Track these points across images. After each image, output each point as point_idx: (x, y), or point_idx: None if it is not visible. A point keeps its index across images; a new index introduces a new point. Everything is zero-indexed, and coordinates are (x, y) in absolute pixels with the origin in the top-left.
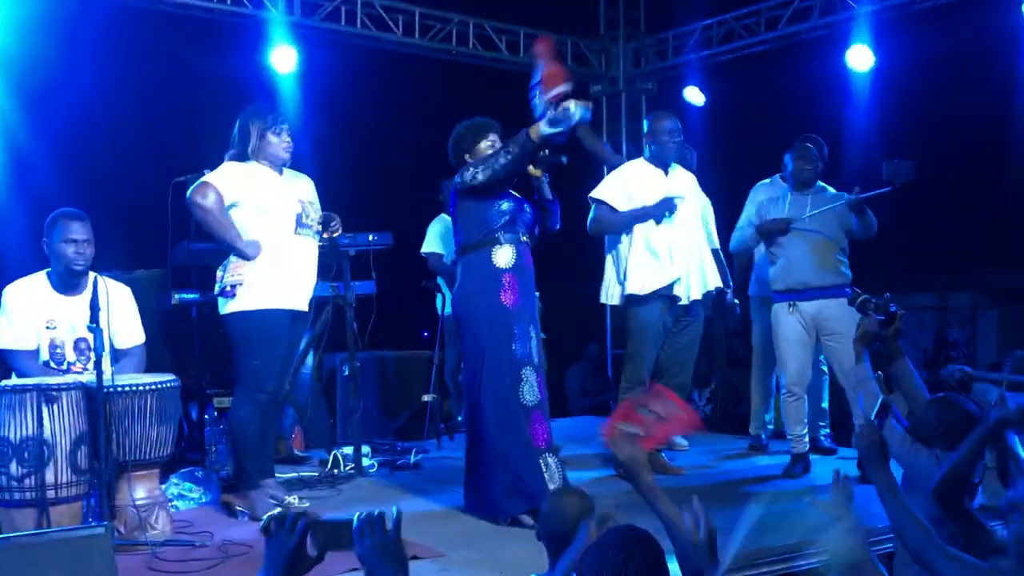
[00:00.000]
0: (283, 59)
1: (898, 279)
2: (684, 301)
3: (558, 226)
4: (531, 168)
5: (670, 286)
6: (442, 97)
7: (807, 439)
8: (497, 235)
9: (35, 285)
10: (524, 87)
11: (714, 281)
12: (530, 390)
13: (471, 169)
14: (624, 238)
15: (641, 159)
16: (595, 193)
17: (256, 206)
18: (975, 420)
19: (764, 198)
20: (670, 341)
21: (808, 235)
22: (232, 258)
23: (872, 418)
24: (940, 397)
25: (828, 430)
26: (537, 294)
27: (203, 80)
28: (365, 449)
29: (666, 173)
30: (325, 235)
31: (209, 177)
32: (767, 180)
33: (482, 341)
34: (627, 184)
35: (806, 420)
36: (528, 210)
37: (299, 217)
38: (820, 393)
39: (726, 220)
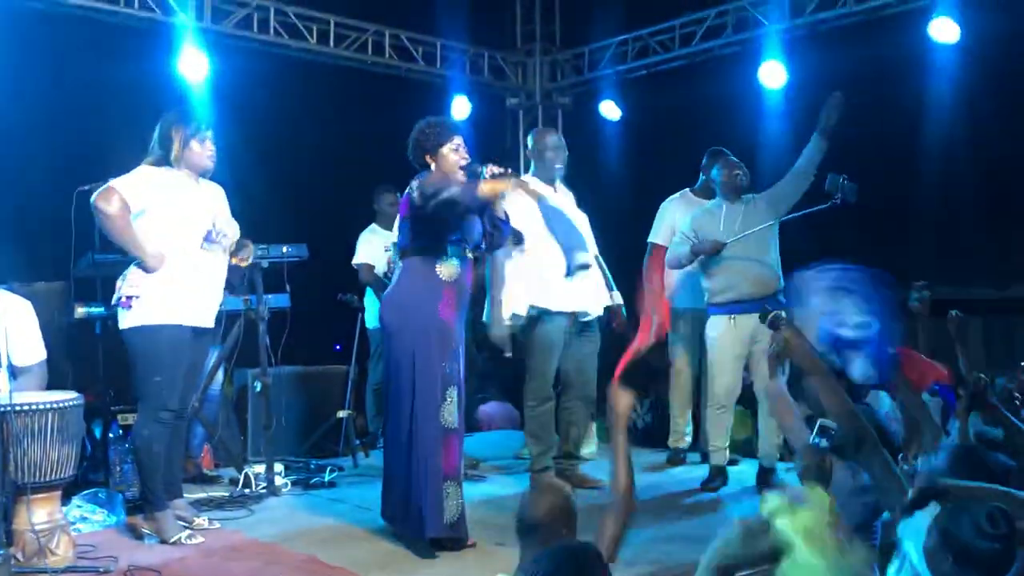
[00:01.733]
0: (193, 66)
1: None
2: (589, 317)
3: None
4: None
5: (559, 307)
6: (359, 107)
7: (727, 452)
8: (445, 246)
9: None
10: (441, 98)
11: (608, 297)
12: (451, 412)
13: (427, 195)
14: (515, 259)
15: (529, 175)
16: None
17: (164, 216)
18: (885, 430)
19: (696, 212)
20: (571, 354)
21: (744, 247)
22: (132, 268)
23: (810, 440)
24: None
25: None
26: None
27: (110, 86)
28: (278, 467)
29: (554, 189)
30: (234, 260)
31: (116, 182)
32: (676, 195)
33: (413, 351)
34: (518, 204)
35: (728, 433)
36: (478, 225)
37: (209, 233)
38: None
39: (639, 232)
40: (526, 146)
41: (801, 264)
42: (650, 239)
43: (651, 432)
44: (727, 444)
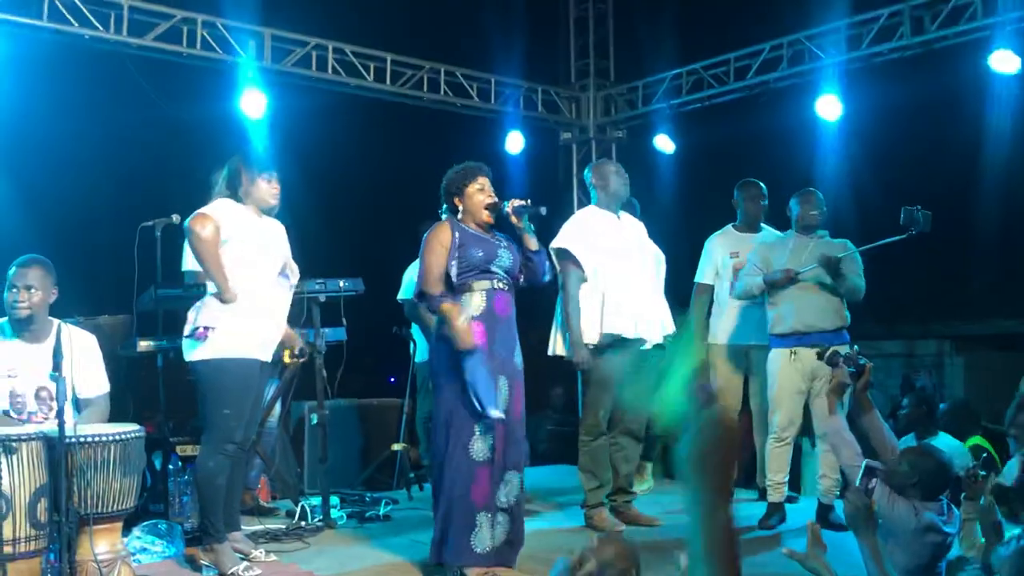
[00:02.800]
0: (253, 104)
1: (867, 327)
2: (646, 347)
3: (546, 278)
4: (511, 217)
5: (632, 333)
6: (414, 143)
7: (786, 488)
8: (469, 282)
9: None
10: (495, 133)
11: (671, 326)
12: (482, 446)
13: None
14: (584, 287)
15: (591, 206)
16: (556, 243)
17: (244, 248)
18: (949, 469)
19: (763, 243)
20: (628, 388)
21: (809, 282)
22: (208, 299)
23: (857, 483)
24: (914, 447)
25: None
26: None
27: (172, 125)
28: (333, 500)
29: (618, 217)
30: (290, 362)
31: (208, 209)
32: (719, 232)
33: (445, 389)
34: (584, 231)
35: (788, 469)
36: (509, 255)
37: (283, 266)
38: None
39: (690, 265)
40: (580, 181)
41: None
42: (696, 278)
43: None
44: (786, 480)
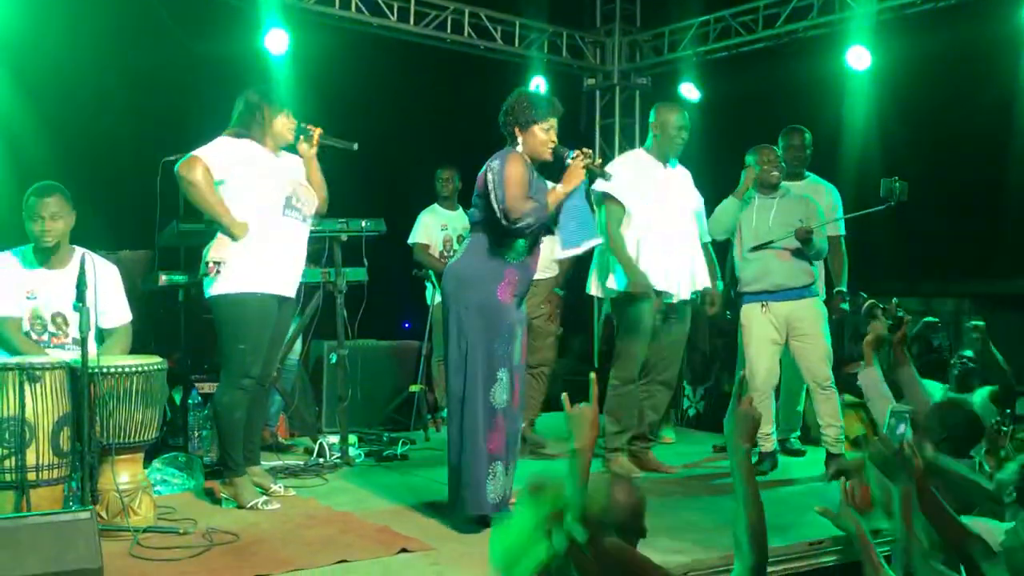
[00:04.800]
0: (276, 41)
1: (884, 284)
2: (673, 300)
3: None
4: (573, 167)
5: (662, 285)
6: (436, 84)
7: (775, 438)
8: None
9: (18, 257)
10: (518, 77)
11: (703, 281)
12: (502, 392)
13: (507, 218)
14: (626, 232)
15: (640, 149)
16: (597, 185)
17: (244, 185)
18: (979, 424)
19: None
20: (657, 339)
21: (774, 247)
22: (218, 236)
23: (885, 430)
24: (944, 402)
25: (798, 432)
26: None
27: (195, 61)
28: (352, 438)
29: (665, 166)
30: (311, 146)
31: (198, 151)
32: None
33: (467, 329)
34: (628, 176)
35: (773, 419)
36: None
37: (288, 199)
38: (797, 397)
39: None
40: (604, 129)
41: (887, 251)
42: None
43: (702, 418)
44: (773, 431)
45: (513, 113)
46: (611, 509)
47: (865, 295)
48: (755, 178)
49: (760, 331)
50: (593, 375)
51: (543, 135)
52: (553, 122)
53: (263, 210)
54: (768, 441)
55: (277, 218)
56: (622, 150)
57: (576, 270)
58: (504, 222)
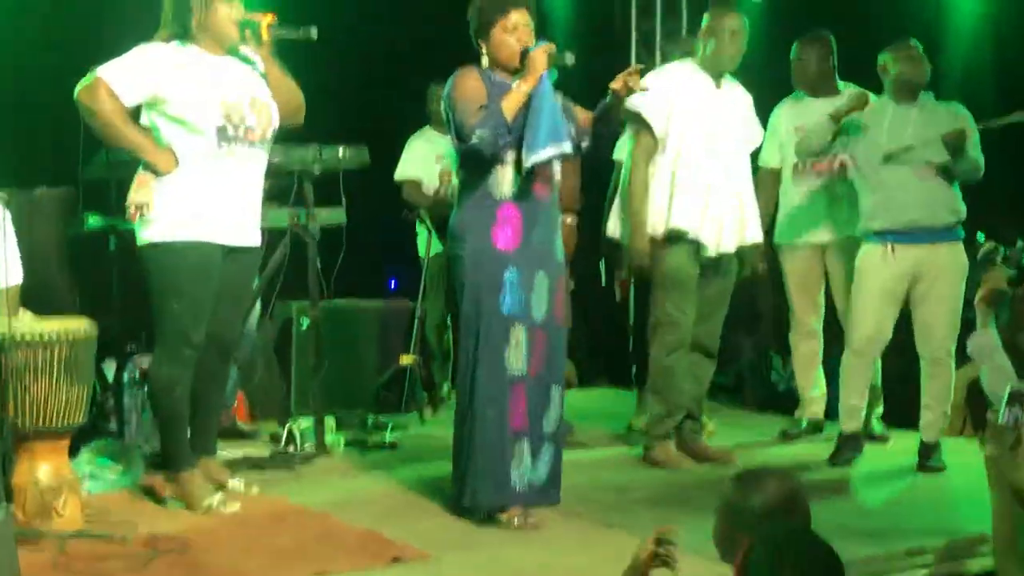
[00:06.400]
0: None
1: (1007, 227)
2: (711, 253)
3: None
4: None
5: (697, 232)
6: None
7: (863, 415)
8: (503, 152)
9: None
10: None
11: (753, 234)
12: (517, 356)
13: (458, 134)
14: (651, 168)
15: (690, 61)
16: (628, 103)
17: (173, 104)
18: None
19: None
20: (699, 292)
21: (914, 155)
22: (139, 172)
23: (1001, 416)
24: None
25: (882, 409)
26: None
27: None
28: (329, 422)
29: (718, 85)
30: (261, 43)
31: (104, 69)
32: (791, 97)
33: (468, 288)
34: (667, 94)
35: (867, 390)
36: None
37: (224, 123)
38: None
39: None
40: (642, 33)
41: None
42: (761, 161)
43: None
44: (863, 404)
45: (471, 23)
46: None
47: (983, 236)
48: (892, 81)
49: (876, 280)
50: None
51: (506, 38)
52: (517, 18)
53: (195, 137)
54: (854, 419)
55: (212, 146)
56: (665, 60)
57: (597, 196)
58: (459, 144)
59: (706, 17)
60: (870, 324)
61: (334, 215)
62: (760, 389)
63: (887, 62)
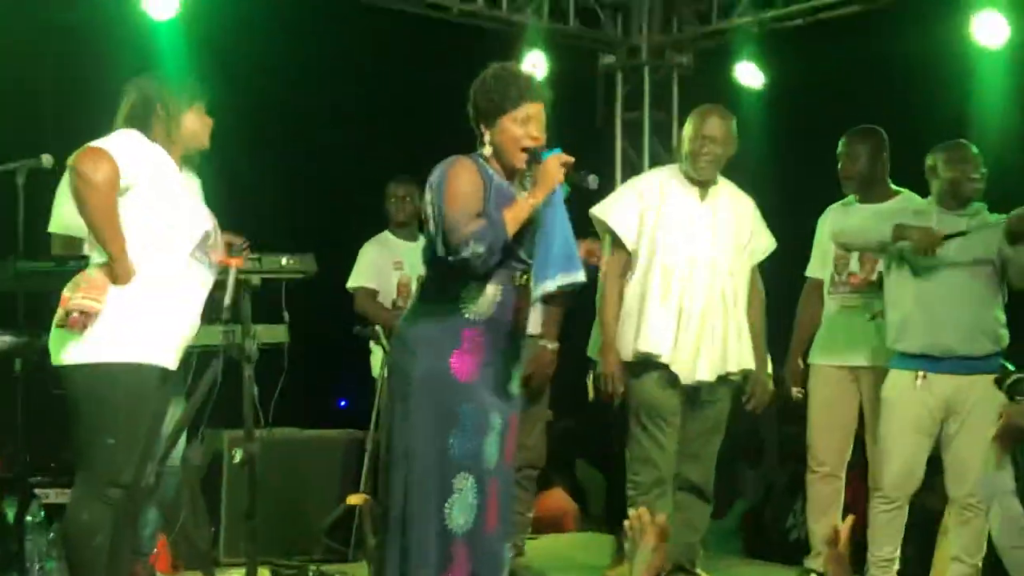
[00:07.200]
0: (160, 1)
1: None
2: (686, 381)
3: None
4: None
5: (668, 357)
6: (391, 64)
7: (897, 565)
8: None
9: None
10: (507, 53)
11: (739, 360)
12: (462, 509)
13: (447, 245)
14: (630, 281)
15: (673, 167)
16: (598, 210)
17: (156, 204)
18: None
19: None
20: (684, 425)
21: (957, 273)
22: (91, 273)
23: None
24: None
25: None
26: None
27: (48, 28)
28: (263, 573)
29: (702, 195)
30: (232, 262)
31: (104, 143)
32: (836, 204)
33: (411, 417)
34: (642, 204)
35: (899, 539)
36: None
37: (206, 235)
38: None
39: (791, 255)
40: (626, 125)
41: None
42: (807, 271)
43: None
44: (895, 556)
45: (476, 105)
46: None
47: (1010, 366)
48: (941, 186)
49: (907, 412)
50: None
51: (515, 129)
52: (531, 110)
53: (169, 244)
54: (888, 570)
55: (183, 258)
56: (654, 155)
57: (578, 320)
58: (444, 253)
59: (689, 124)
60: (900, 463)
61: (275, 332)
62: (764, 534)
63: (938, 164)
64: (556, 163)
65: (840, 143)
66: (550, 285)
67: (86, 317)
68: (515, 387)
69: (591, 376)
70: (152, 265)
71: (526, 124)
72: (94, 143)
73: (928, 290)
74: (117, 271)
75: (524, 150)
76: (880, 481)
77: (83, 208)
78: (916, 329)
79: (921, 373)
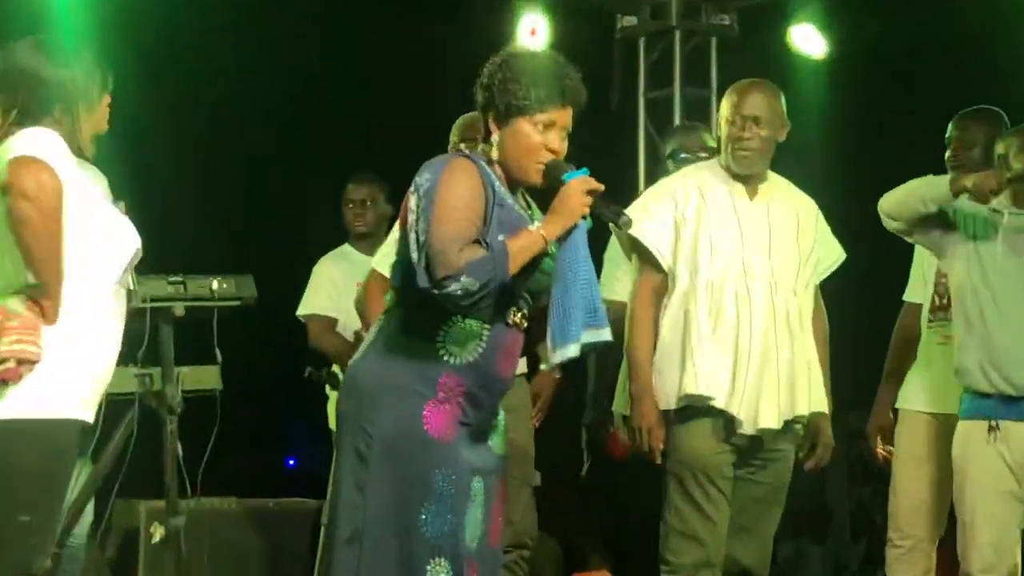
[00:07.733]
0: None
1: None
2: (746, 430)
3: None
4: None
5: (725, 402)
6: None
7: None
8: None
9: None
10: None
11: (807, 402)
12: None
13: (432, 277)
14: (667, 308)
15: (713, 162)
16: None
17: (82, 222)
18: None
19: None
20: (735, 491)
21: None
22: (15, 308)
23: None
24: None
25: None
26: None
27: None
28: None
29: (751, 194)
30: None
31: (34, 150)
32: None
33: (369, 486)
34: (676, 211)
35: None
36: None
37: (134, 256)
38: None
39: (856, 261)
40: (650, 105)
41: None
42: (905, 295)
43: None
44: None
45: (488, 90)
46: None
47: None
48: (1013, 177)
49: (983, 470)
50: None
51: (534, 136)
52: (557, 116)
53: (93, 272)
54: None
55: (110, 287)
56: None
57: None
58: (427, 284)
59: (725, 102)
60: (987, 538)
61: (204, 375)
62: None
63: (1010, 152)
64: (580, 190)
65: (951, 125)
66: (573, 349)
67: (21, 367)
68: (499, 446)
69: (584, 439)
70: (73, 299)
71: (547, 131)
72: (24, 152)
73: (1001, 316)
74: (47, 308)
75: (545, 164)
76: (969, 565)
77: (26, 234)
78: (988, 365)
79: (994, 423)
